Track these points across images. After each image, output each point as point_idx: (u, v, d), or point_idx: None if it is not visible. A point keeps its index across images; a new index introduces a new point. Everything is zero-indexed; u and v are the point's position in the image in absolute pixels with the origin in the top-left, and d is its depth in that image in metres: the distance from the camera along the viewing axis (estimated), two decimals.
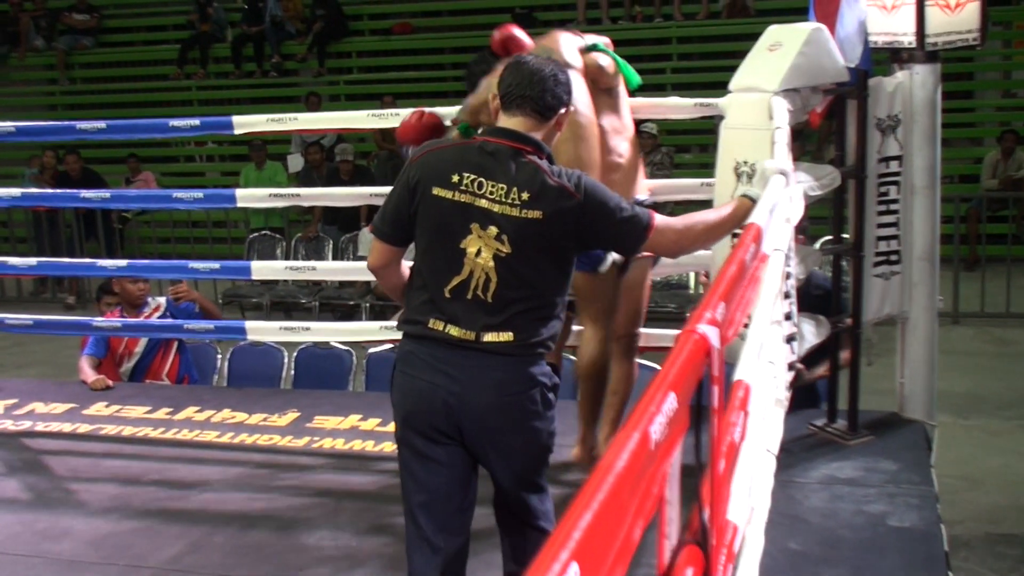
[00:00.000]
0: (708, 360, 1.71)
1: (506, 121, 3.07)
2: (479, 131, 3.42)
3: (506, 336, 2.98)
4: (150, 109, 15.55)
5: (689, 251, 3.40)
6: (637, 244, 3.13)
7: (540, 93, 3.03)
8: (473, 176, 2.98)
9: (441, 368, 3.01)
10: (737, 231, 3.18)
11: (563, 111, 3.10)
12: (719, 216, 3.28)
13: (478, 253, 2.97)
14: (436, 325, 3.01)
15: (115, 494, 4.50)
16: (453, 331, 2.99)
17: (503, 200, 2.95)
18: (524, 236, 2.96)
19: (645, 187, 4.31)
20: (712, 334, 1.72)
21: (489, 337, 2.98)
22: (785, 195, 3.01)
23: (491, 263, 2.96)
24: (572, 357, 4.67)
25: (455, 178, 2.98)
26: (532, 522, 3.16)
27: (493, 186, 2.96)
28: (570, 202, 2.96)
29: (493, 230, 2.96)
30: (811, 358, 4.54)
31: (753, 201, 3.14)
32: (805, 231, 4.83)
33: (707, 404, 1.74)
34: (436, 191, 3.00)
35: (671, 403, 1.43)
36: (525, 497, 3.15)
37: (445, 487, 3.09)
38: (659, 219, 3.10)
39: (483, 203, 2.96)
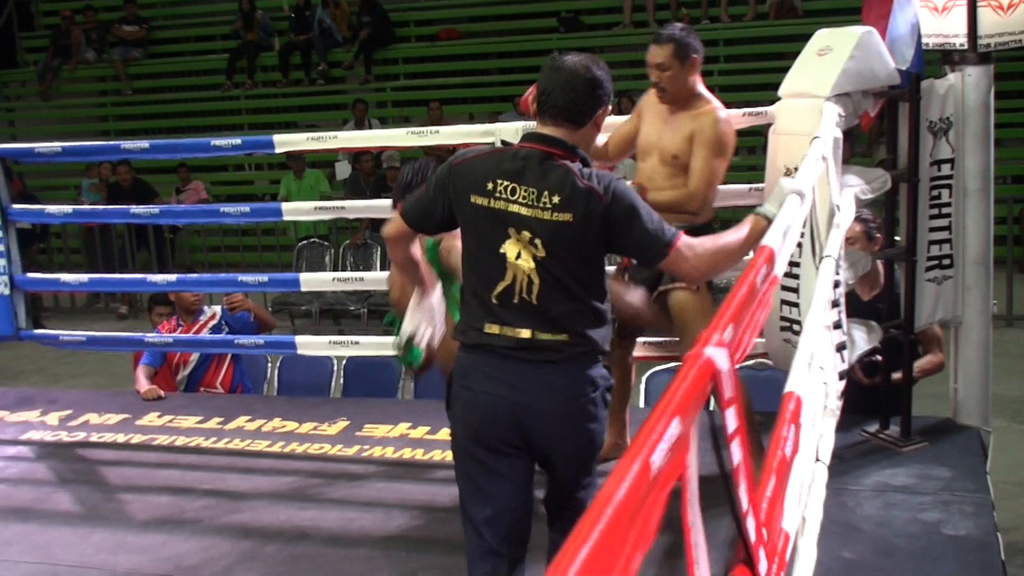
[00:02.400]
0: (716, 382, 1.68)
1: (542, 127, 3.09)
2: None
3: (561, 336, 3.02)
4: (199, 119, 15.69)
5: (710, 275, 3.34)
6: (657, 259, 3.10)
7: (572, 103, 3.03)
8: (507, 182, 3.00)
9: (502, 378, 3.05)
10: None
11: (600, 111, 3.10)
12: (736, 238, 3.19)
13: (518, 256, 3.00)
14: (492, 329, 3.06)
15: (168, 505, 4.54)
16: (509, 332, 3.03)
17: (535, 204, 2.97)
18: (556, 239, 2.98)
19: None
20: (719, 356, 1.69)
21: (544, 336, 3.01)
22: (800, 216, 2.96)
23: (531, 265, 2.99)
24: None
25: (490, 185, 3.01)
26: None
27: (525, 191, 2.99)
28: (598, 205, 2.96)
29: (527, 235, 2.98)
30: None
31: (767, 219, 3.10)
32: (880, 229, 4.78)
33: (719, 425, 1.72)
34: (474, 199, 3.03)
35: (674, 428, 1.41)
36: (579, 495, 3.21)
37: (510, 499, 3.13)
38: (683, 240, 3.07)
39: (516, 208, 2.99)
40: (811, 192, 3.05)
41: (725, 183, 4.33)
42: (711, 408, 1.69)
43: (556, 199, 2.96)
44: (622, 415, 4.52)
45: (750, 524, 1.71)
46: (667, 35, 4.05)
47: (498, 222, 3.01)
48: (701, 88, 4.14)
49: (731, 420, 1.72)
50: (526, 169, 3.01)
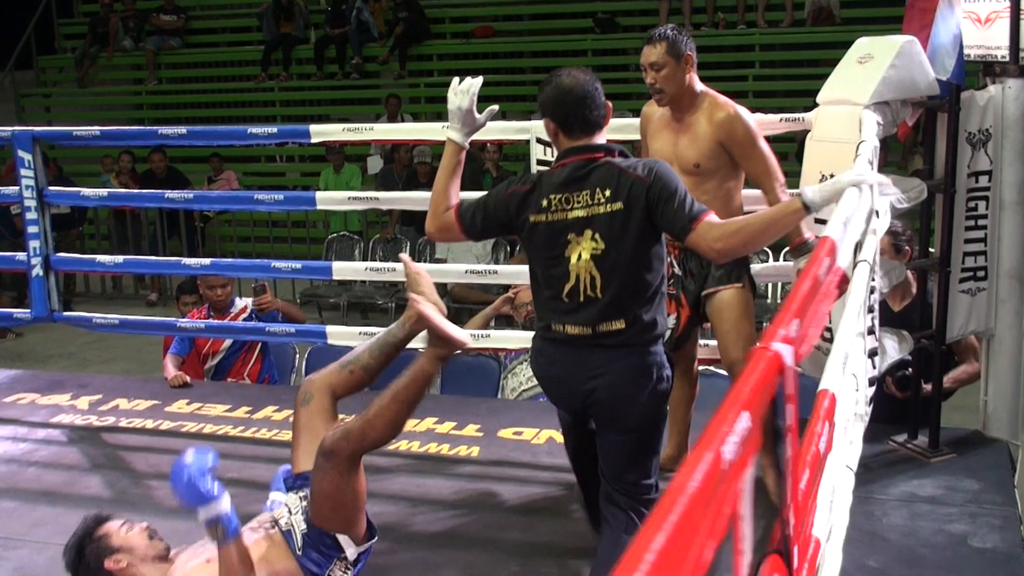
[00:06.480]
0: (782, 378, 1.69)
1: (573, 141, 3.33)
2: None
3: (619, 324, 3.26)
4: (233, 109, 15.73)
5: (736, 253, 3.35)
6: (683, 233, 3.21)
7: (590, 113, 3.30)
8: (558, 195, 3.27)
9: (567, 362, 3.36)
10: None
11: (608, 108, 3.36)
12: (764, 217, 3.27)
13: (579, 258, 3.24)
14: (557, 328, 3.35)
15: None
16: (572, 330, 3.31)
17: (590, 203, 3.23)
18: (613, 228, 3.21)
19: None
20: (786, 352, 1.70)
21: (603, 327, 3.26)
22: (861, 208, 2.94)
23: (590, 262, 3.23)
24: None
25: (544, 203, 3.29)
26: (634, 504, 3.40)
27: (578, 195, 3.25)
28: (642, 186, 3.20)
29: (588, 232, 3.23)
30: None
31: (804, 204, 3.10)
32: (910, 241, 4.77)
33: (782, 423, 1.73)
34: (533, 218, 3.30)
35: (744, 422, 1.42)
36: (630, 478, 3.41)
37: (578, 446, 3.66)
38: (710, 216, 3.21)
39: (575, 214, 3.24)
40: (868, 189, 3.02)
41: (751, 187, 4.25)
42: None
43: (608, 192, 3.22)
44: (685, 424, 4.46)
45: (790, 517, 1.71)
46: (659, 34, 4.00)
47: (558, 233, 3.28)
48: (701, 85, 4.05)
49: (790, 416, 1.72)
50: (574, 178, 3.27)
